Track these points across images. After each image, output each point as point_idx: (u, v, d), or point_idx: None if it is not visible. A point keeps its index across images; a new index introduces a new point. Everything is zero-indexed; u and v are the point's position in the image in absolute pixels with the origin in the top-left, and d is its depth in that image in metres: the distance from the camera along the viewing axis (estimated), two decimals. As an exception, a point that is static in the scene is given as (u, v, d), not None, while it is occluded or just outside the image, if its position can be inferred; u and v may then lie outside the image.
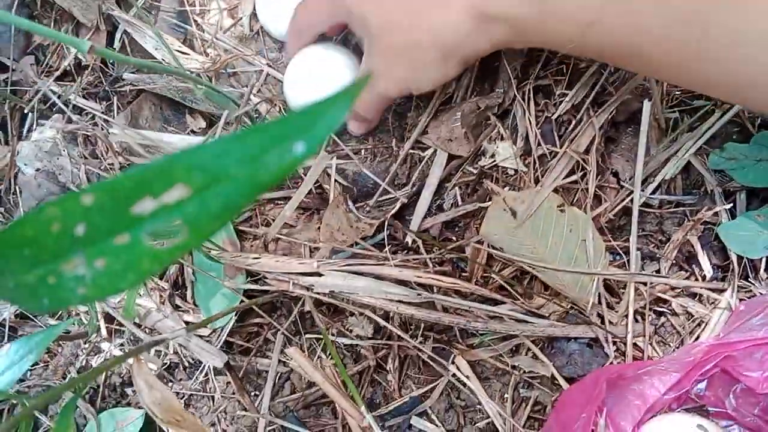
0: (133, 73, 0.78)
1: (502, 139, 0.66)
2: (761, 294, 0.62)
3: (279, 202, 0.73)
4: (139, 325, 0.68)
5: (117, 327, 0.70)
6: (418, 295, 0.62)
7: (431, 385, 0.69)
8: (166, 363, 0.69)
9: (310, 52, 0.69)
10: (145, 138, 0.69)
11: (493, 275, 0.65)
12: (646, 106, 0.62)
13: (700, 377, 0.58)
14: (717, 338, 0.59)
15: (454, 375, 0.67)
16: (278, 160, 0.22)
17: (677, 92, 0.68)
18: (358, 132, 0.72)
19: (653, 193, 0.65)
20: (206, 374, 0.69)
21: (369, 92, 0.62)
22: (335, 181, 0.70)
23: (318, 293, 0.62)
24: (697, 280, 0.63)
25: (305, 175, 0.70)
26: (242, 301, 0.66)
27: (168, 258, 0.24)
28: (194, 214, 0.23)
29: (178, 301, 0.69)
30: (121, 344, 0.69)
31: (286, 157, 0.22)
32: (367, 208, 0.71)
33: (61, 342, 0.71)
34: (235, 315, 0.67)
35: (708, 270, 0.63)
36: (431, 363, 0.68)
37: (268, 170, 0.22)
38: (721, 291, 0.62)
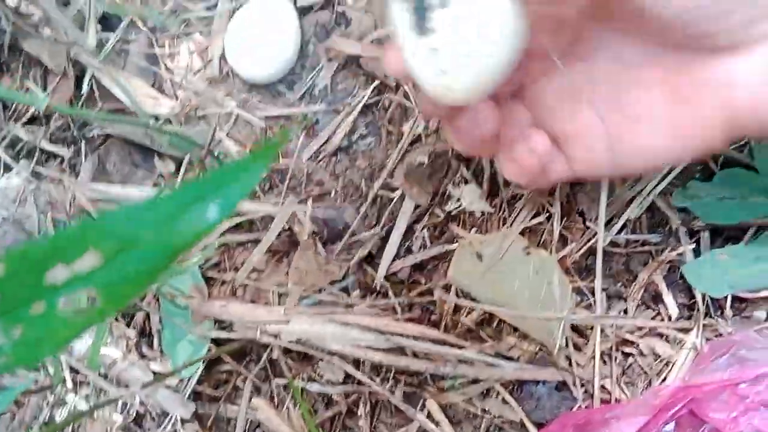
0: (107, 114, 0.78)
1: (466, 182, 0.66)
2: (727, 333, 0.62)
3: (248, 245, 0.73)
4: (105, 376, 0.67)
5: (83, 378, 0.69)
6: (387, 340, 0.62)
7: (403, 430, 0.68)
8: (132, 414, 0.68)
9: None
10: (107, 193, 0.69)
11: (461, 319, 0.64)
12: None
13: (668, 419, 0.58)
14: (683, 380, 0.59)
15: (425, 419, 0.66)
16: (191, 225, 0.22)
17: (641, 132, 0.68)
18: None
19: (619, 232, 0.65)
20: (174, 424, 0.68)
21: None
22: (304, 224, 0.70)
23: (285, 341, 0.62)
24: (663, 320, 0.64)
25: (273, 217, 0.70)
26: (210, 349, 0.65)
27: (83, 326, 0.23)
28: (107, 282, 0.23)
29: (145, 349, 0.68)
30: (87, 395, 0.68)
31: (199, 222, 0.22)
32: (337, 251, 0.71)
33: (25, 395, 0.70)
34: (203, 364, 0.66)
35: (674, 309, 0.63)
36: (403, 407, 0.67)
37: (181, 236, 0.22)
38: (687, 330, 0.63)
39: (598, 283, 0.62)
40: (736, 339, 0.60)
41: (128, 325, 0.69)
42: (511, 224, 0.64)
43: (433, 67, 0.38)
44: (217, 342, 0.67)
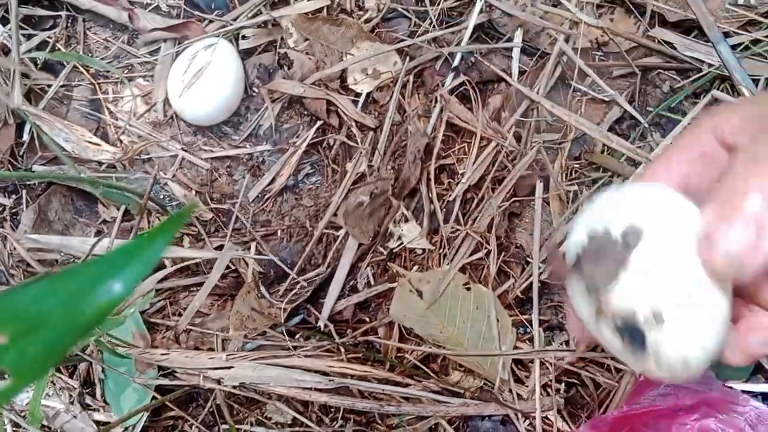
0: (42, 165, 0.78)
1: (407, 220, 0.67)
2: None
3: (193, 289, 0.73)
4: (48, 428, 0.66)
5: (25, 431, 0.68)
6: (331, 380, 0.62)
7: (353, 469, 0.68)
8: (76, 466, 0.67)
9: None
10: (47, 243, 0.69)
11: (406, 356, 0.65)
12: (538, 187, 0.64)
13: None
14: (620, 410, 0.60)
15: (375, 457, 0.66)
16: (96, 302, 0.23)
17: (576, 165, 0.70)
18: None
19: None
20: (119, 475, 0.67)
21: None
22: (247, 267, 0.70)
23: (229, 386, 0.62)
24: (602, 350, 0.65)
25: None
26: (154, 398, 0.65)
27: None
28: (14, 362, 0.23)
29: (88, 400, 0.67)
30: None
31: (103, 298, 0.23)
32: (282, 292, 0.71)
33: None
34: (147, 412, 0.65)
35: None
36: (352, 447, 0.67)
37: (86, 313, 0.23)
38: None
39: (535, 317, 0.63)
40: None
41: (71, 375, 0.68)
42: (451, 260, 0.65)
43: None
44: (161, 389, 0.66)
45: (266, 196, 0.77)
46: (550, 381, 0.63)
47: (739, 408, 0.58)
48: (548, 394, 0.64)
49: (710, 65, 0.69)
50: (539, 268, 0.64)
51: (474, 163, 0.68)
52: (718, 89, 0.69)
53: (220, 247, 0.72)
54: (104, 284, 0.23)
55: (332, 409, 0.68)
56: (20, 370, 0.23)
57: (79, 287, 0.23)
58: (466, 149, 0.70)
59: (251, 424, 0.68)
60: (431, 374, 0.65)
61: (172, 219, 0.24)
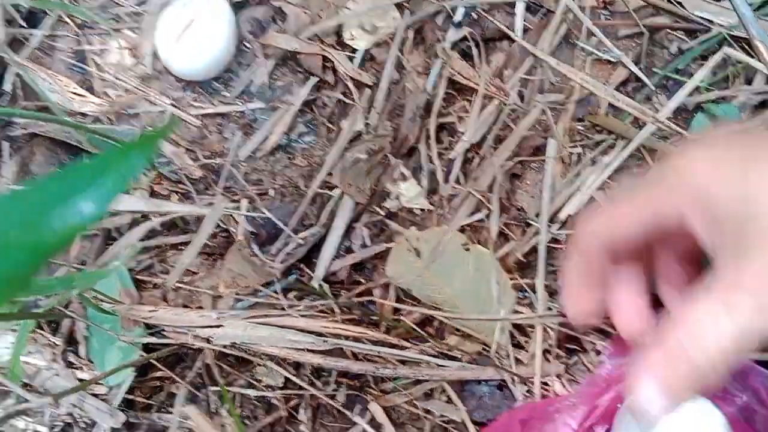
0: (26, 117, 0.75)
1: (405, 179, 0.65)
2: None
3: (182, 247, 0.70)
4: (29, 386, 0.64)
5: (5, 388, 0.65)
6: (325, 341, 0.60)
7: (346, 434, 0.66)
8: (59, 425, 0.64)
9: None
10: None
11: (402, 319, 0.63)
12: (551, 143, 0.62)
13: (607, 406, 0.58)
14: (616, 367, 0.58)
15: (369, 422, 0.65)
16: (64, 222, 0.20)
17: (579, 127, 0.68)
18: None
19: (559, 229, 0.65)
20: (103, 435, 0.65)
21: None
22: (238, 224, 0.68)
23: (219, 345, 0.60)
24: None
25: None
26: (141, 356, 0.62)
27: None
28: None
29: (71, 358, 0.65)
30: (8, 407, 0.64)
31: (72, 218, 0.20)
32: (274, 251, 0.68)
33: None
34: (134, 370, 0.63)
35: (614, 304, 0.63)
36: (345, 411, 0.65)
37: (52, 234, 0.20)
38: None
39: (540, 282, 0.61)
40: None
41: (54, 332, 0.66)
42: (451, 221, 0.63)
43: None
44: (148, 348, 0.64)
45: (258, 155, 0.74)
46: (551, 346, 0.62)
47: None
48: (548, 360, 0.62)
49: (720, 25, 0.67)
50: (548, 227, 0.62)
51: (475, 121, 0.65)
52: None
53: (210, 205, 0.70)
54: (71, 202, 0.20)
55: (325, 373, 0.66)
56: None
57: (42, 205, 0.20)
58: (467, 107, 0.67)
59: (241, 386, 0.66)
60: (428, 338, 0.63)
61: (153, 133, 0.22)
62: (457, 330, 0.64)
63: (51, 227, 0.20)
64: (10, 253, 0.20)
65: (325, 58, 0.75)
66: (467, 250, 0.61)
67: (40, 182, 0.20)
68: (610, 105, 0.68)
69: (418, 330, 0.63)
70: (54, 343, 0.65)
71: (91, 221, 0.20)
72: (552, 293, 0.65)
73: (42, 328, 0.66)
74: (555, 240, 0.65)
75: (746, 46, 0.66)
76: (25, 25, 0.78)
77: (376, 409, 0.64)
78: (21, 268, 0.20)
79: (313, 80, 0.75)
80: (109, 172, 0.20)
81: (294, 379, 0.64)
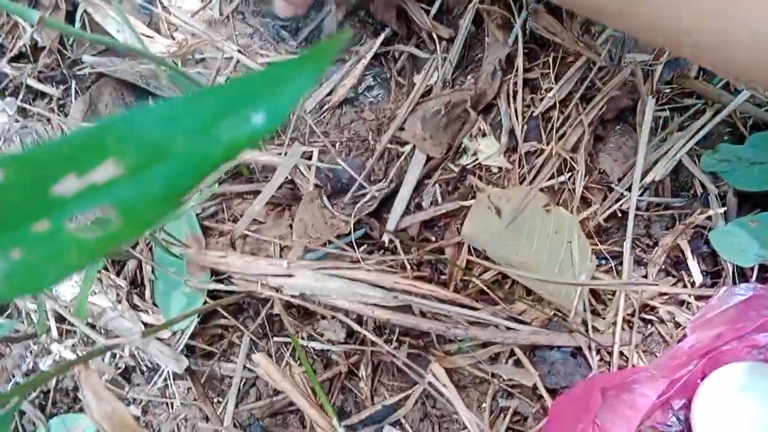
0: (93, 55, 0.73)
1: (484, 135, 0.62)
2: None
3: (247, 196, 0.69)
4: (92, 326, 0.63)
5: (69, 327, 0.65)
6: (395, 298, 0.59)
7: (405, 393, 0.65)
8: (121, 367, 0.64)
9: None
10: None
11: (473, 279, 0.61)
12: (650, 103, 0.59)
13: (688, 378, 0.56)
14: (696, 339, 0.56)
15: (429, 383, 0.63)
16: (233, 133, 0.18)
17: (667, 90, 0.65)
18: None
19: (641, 195, 0.62)
20: (165, 379, 0.64)
21: None
22: (308, 175, 0.66)
23: (288, 295, 0.58)
24: (685, 286, 0.60)
25: (276, 167, 0.66)
26: (206, 302, 0.61)
27: (97, 251, 0.19)
28: (128, 198, 0.18)
29: (136, 300, 0.64)
30: (74, 345, 0.64)
31: (242, 129, 0.18)
32: (342, 205, 0.67)
33: (8, 343, 0.65)
34: (198, 317, 0.62)
35: (698, 277, 0.60)
36: (406, 370, 0.64)
37: (220, 144, 0.18)
38: (711, 299, 0.60)
39: (627, 247, 0.59)
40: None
41: (118, 274, 0.65)
42: (532, 181, 0.61)
43: None
44: (213, 295, 0.63)
45: (324, 108, 0.72)
46: (629, 315, 0.59)
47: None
48: (624, 330, 0.60)
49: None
50: (638, 191, 0.59)
51: (560, 79, 0.62)
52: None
53: (278, 155, 0.68)
54: (244, 112, 0.18)
55: (387, 331, 0.65)
56: (135, 209, 0.19)
57: (214, 113, 0.18)
58: (550, 64, 0.64)
59: (303, 339, 0.64)
60: (498, 300, 0.61)
61: (328, 42, 0.19)
62: (528, 293, 0.62)
63: (218, 137, 0.18)
64: (173, 161, 0.18)
65: (399, 9, 0.72)
66: (548, 211, 0.58)
67: (212, 89, 0.18)
68: (701, 68, 0.65)
69: (490, 291, 0.61)
70: (119, 284, 0.64)
71: (262, 134, 0.18)
72: (635, 261, 0.63)
73: (107, 269, 0.65)
74: (636, 207, 0.63)
75: None
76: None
77: (438, 369, 0.63)
78: (182, 178, 0.18)
79: (385, 32, 0.72)
80: (283, 84, 0.18)
81: (357, 332, 0.62)
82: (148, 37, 0.74)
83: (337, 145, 0.71)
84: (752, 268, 0.60)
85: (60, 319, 0.64)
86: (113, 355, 0.64)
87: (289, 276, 0.57)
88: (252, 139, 0.18)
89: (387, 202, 0.67)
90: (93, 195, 0.18)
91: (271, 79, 0.19)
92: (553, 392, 0.60)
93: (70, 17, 0.75)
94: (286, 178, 0.68)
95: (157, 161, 0.18)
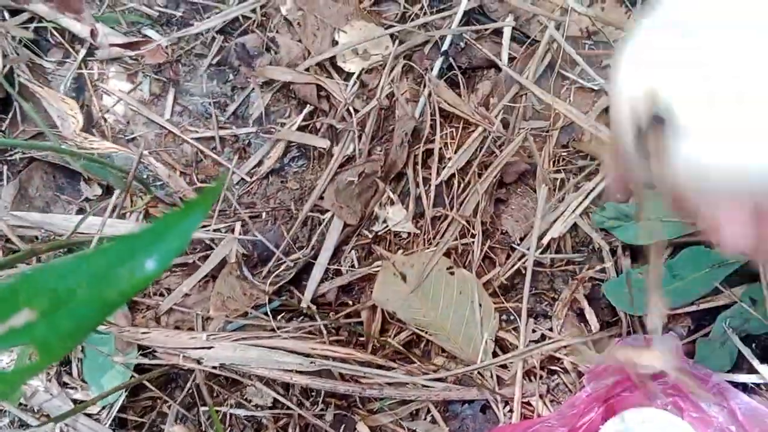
0: (25, 140, 0.77)
1: (392, 203, 0.67)
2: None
3: (175, 270, 0.72)
4: (25, 406, 0.65)
5: (1, 408, 0.67)
6: (312, 363, 0.62)
7: (333, 454, 0.67)
8: (52, 446, 0.66)
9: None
10: (29, 220, 0.68)
11: (389, 340, 0.64)
12: (539, 170, 0.63)
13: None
14: (593, 390, 0.59)
15: (356, 442, 0.66)
16: (129, 278, 0.22)
17: (563, 153, 0.70)
18: None
19: (543, 252, 0.66)
20: (96, 455, 0.66)
21: None
22: (234, 248, 0.69)
23: (209, 366, 0.61)
24: (586, 341, 0.64)
25: (203, 241, 0.70)
26: (133, 377, 0.64)
27: (18, 381, 0.23)
28: (43, 337, 0.22)
29: (66, 378, 0.66)
30: (9, 423, 0.66)
31: (136, 275, 0.22)
32: (264, 274, 0.70)
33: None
34: (126, 391, 0.64)
35: (595, 326, 0.64)
36: (333, 431, 0.67)
37: (117, 289, 0.22)
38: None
39: (524, 305, 0.63)
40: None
41: (49, 353, 0.67)
42: (436, 245, 0.65)
43: None
44: (140, 369, 0.65)
45: (252, 179, 0.76)
46: (534, 368, 0.63)
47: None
48: (531, 381, 0.64)
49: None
50: (540, 249, 0.63)
51: (461, 147, 0.67)
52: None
53: (203, 228, 0.72)
54: (135, 261, 0.22)
55: (313, 393, 0.67)
56: (48, 346, 0.22)
57: (109, 264, 0.22)
58: (454, 134, 0.69)
59: (231, 407, 0.67)
60: (414, 359, 0.64)
61: (204, 194, 0.23)
62: (443, 351, 0.65)
63: (117, 283, 0.22)
64: (81, 306, 0.22)
65: (319, 87, 0.76)
66: (452, 274, 0.62)
67: (108, 245, 0.22)
68: (592, 133, 0.70)
69: (404, 351, 0.64)
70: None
71: (154, 277, 0.22)
72: (534, 315, 0.66)
73: (38, 349, 0.67)
74: (538, 263, 0.67)
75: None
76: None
77: (363, 429, 0.66)
78: (89, 319, 0.22)
79: (308, 108, 0.77)
80: (171, 232, 0.22)
81: (283, 399, 0.65)
82: (79, 122, 0.77)
83: (263, 215, 0.75)
84: (647, 316, 0.64)
85: (-8, 401, 0.66)
86: (44, 433, 0.66)
87: (209, 348, 0.60)
88: (145, 282, 0.22)
89: (308, 268, 0.70)
90: (13, 336, 0.22)
91: (159, 231, 0.22)
92: (466, 446, 0.63)
93: (5, 103, 0.78)
94: (211, 249, 0.71)
95: (64, 306, 0.22)
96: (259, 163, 0.77)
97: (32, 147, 0.71)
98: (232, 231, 0.72)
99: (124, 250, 0.22)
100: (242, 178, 0.76)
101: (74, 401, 0.65)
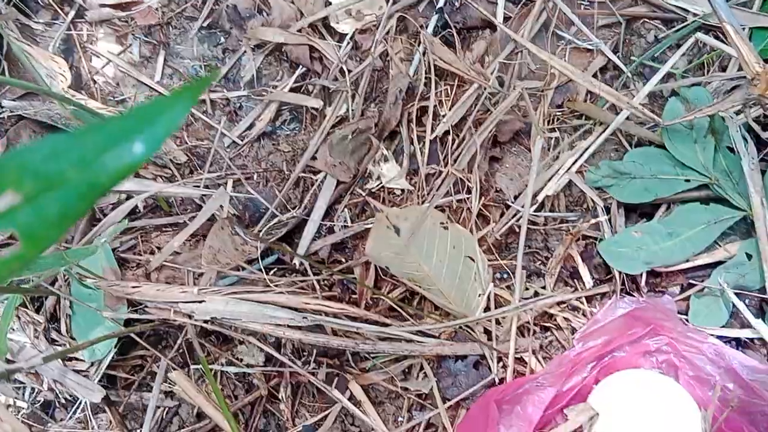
0: (13, 100, 0.75)
1: (386, 160, 0.66)
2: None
3: (166, 229, 0.71)
4: (12, 361, 0.64)
5: (-12, 365, 0.65)
6: (304, 318, 0.61)
7: (325, 413, 0.67)
8: (39, 401, 0.65)
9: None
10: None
11: (382, 296, 0.64)
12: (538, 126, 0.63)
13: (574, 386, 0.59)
14: (582, 347, 0.59)
15: (349, 399, 0.65)
16: (117, 162, 0.21)
17: (558, 113, 0.69)
18: None
19: (538, 210, 0.66)
20: (84, 410, 0.65)
21: None
22: (225, 206, 0.69)
23: (200, 321, 0.60)
24: (580, 297, 0.64)
25: (194, 200, 0.69)
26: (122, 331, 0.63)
27: (4, 271, 0.22)
28: (28, 223, 0.21)
29: (54, 335, 0.66)
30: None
31: (125, 158, 0.21)
32: (256, 231, 0.69)
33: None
34: (115, 346, 0.64)
35: (589, 283, 0.64)
36: (325, 389, 0.66)
37: (106, 173, 0.21)
38: (595, 314, 0.63)
39: (519, 260, 0.62)
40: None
41: (37, 311, 0.66)
42: (431, 199, 0.64)
43: None
44: (131, 326, 0.64)
45: (243, 142, 0.75)
46: (527, 323, 0.63)
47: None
48: (524, 336, 0.63)
49: (695, 14, 0.69)
50: (533, 207, 0.63)
51: (455, 104, 0.67)
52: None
53: (196, 188, 0.71)
54: (126, 143, 0.21)
55: (305, 353, 0.67)
56: (34, 232, 0.21)
57: (97, 145, 0.21)
58: (449, 92, 0.69)
59: (222, 365, 0.66)
60: (407, 315, 0.64)
61: (197, 81, 0.23)
62: (436, 309, 0.65)
63: (104, 167, 0.21)
64: (69, 189, 0.21)
65: (312, 48, 0.76)
66: (446, 228, 0.62)
67: (96, 125, 0.21)
68: (588, 91, 0.70)
69: (397, 306, 0.64)
70: (37, 320, 0.65)
71: (142, 161, 0.21)
72: (528, 274, 0.66)
73: (26, 306, 0.66)
74: (532, 222, 0.66)
75: (720, 35, 0.68)
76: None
77: (355, 387, 0.65)
78: (74, 203, 0.21)
79: (300, 70, 0.76)
80: (160, 117, 0.21)
81: (275, 354, 0.64)
82: (68, 79, 0.76)
83: (255, 176, 0.74)
84: (641, 275, 0.64)
85: (-22, 356, 0.65)
86: (32, 390, 0.65)
87: (200, 302, 0.60)
88: (133, 167, 0.21)
89: (301, 227, 0.69)
90: (-4, 221, 0.21)
91: (148, 114, 0.22)
92: (456, 402, 0.62)
93: (-9, 63, 0.77)
94: (201, 208, 0.70)
95: (52, 189, 0.21)
96: (251, 126, 0.76)
97: (25, 87, 0.70)
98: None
99: (112, 132, 0.21)
100: (233, 141, 0.75)
101: (62, 358, 0.64)
